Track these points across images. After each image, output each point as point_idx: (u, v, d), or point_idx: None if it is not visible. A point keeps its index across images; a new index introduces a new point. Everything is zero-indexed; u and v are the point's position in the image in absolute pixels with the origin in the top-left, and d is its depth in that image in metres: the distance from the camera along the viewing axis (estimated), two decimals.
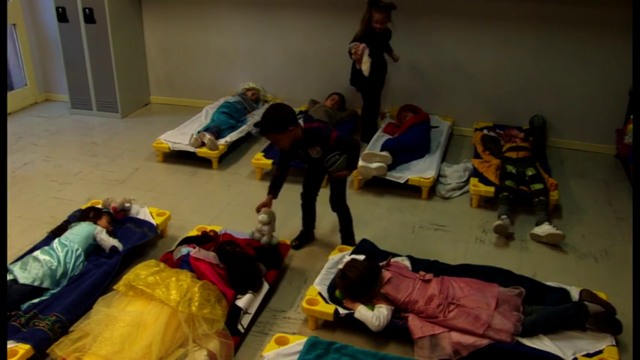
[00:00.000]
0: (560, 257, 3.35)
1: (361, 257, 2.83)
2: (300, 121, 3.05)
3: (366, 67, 4.34)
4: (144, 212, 3.45)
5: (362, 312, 2.57)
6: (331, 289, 2.78)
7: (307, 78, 5.45)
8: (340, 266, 2.79)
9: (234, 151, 4.72)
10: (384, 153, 4.06)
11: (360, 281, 2.62)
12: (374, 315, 2.55)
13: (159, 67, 5.89)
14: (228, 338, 2.49)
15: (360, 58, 4.34)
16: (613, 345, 2.45)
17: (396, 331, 2.59)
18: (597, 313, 2.52)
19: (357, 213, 3.79)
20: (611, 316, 2.54)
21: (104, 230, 3.12)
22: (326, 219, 3.73)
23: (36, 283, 2.72)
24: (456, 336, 2.48)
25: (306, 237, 3.45)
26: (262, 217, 3.05)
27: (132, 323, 2.41)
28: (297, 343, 2.42)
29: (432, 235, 3.58)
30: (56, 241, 2.99)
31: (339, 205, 3.28)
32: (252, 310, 2.73)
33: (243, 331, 2.63)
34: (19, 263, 2.81)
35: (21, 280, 2.70)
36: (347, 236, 3.35)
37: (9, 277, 2.72)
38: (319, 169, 3.16)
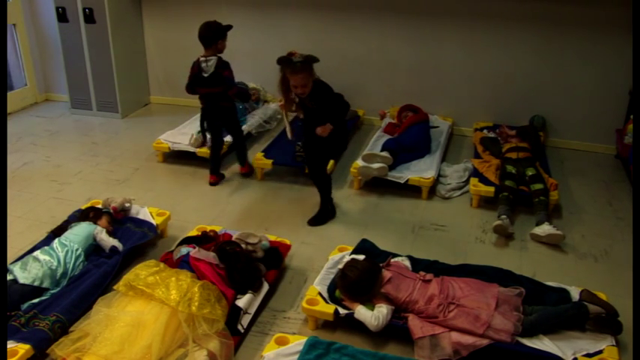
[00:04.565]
0: (560, 257, 3.34)
1: (361, 257, 2.83)
2: None
3: (289, 129, 3.63)
4: (144, 212, 3.45)
5: (361, 312, 2.57)
6: (331, 289, 2.78)
7: None
8: (340, 266, 2.79)
9: (235, 151, 4.72)
10: (385, 153, 4.05)
11: (360, 281, 2.61)
12: (373, 315, 2.54)
13: (159, 67, 5.89)
14: (228, 338, 2.49)
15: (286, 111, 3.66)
16: (613, 345, 2.45)
17: (396, 331, 2.59)
18: (597, 315, 2.53)
19: (357, 213, 3.80)
20: (611, 318, 2.54)
21: (104, 230, 3.12)
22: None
23: (36, 283, 2.72)
24: (456, 336, 2.48)
25: None
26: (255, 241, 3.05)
27: (132, 323, 2.41)
28: (297, 343, 2.42)
29: (432, 235, 3.57)
30: (56, 241, 2.99)
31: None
32: (252, 310, 2.73)
33: (243, 331, 2.63)
34: (19, 263, 2.81)
35: (21, 280, 2.70)
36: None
37: (9, 277, 2.72)
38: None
